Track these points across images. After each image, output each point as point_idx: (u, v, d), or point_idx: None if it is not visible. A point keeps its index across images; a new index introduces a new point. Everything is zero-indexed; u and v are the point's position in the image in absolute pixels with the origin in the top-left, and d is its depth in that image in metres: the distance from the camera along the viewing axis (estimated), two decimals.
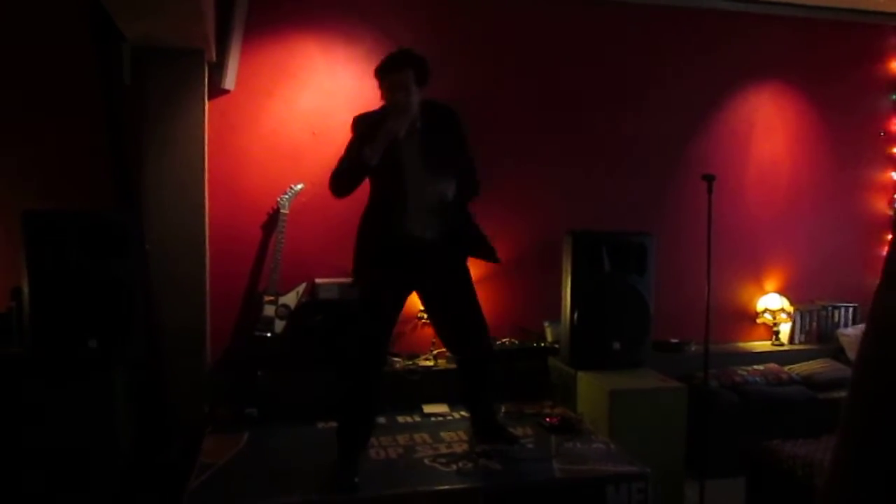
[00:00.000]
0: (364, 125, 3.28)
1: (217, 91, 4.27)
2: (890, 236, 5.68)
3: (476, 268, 4.73)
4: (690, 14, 5.14)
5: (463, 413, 4.12)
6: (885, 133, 5.66)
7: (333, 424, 3.83)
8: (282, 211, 4.29)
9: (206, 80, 4.08)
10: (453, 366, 4.42)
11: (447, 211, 3.34)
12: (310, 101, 4.51)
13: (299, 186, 4.36)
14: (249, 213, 4.42)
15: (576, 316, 4.22)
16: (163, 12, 3.35)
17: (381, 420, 3.96)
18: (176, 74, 3.95)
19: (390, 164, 3.22)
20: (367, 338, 3.32)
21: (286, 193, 4.32)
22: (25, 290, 3.37)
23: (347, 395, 3.34)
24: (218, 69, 4.24)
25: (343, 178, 3.25)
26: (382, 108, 3.30)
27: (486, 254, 3.45)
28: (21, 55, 4.00)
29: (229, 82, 4.30)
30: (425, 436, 3.75)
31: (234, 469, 3.29)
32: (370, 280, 3.34)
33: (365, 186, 3.37)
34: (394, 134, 3.16)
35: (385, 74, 3.27)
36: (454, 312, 3.48)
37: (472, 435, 3.67)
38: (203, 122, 4.04)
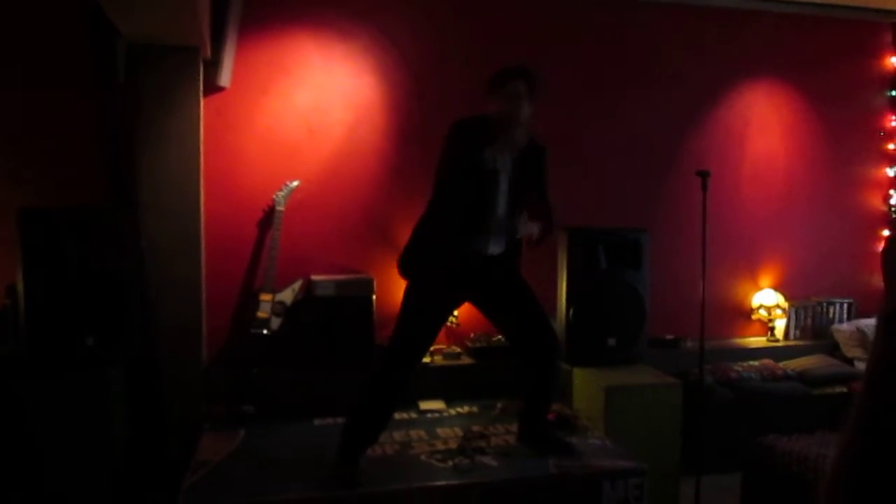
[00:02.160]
0: (474, 131, 3.22)
1: (212, 88, 4.26)
2: (887, 233, 5.70)
3: None
4: (685, 11, 5.14)
5: (459, 409, 4.14)
6: (884, 133, 5.67)
7: (330, 421, 3.86)
8: (277, 208, 4.29)
9: (202, 76, 4.07)
10: (449, 362, 4.45)
11: (514, 234, 3.33)
12: (306, 98, 4.51)
13: (295, 183, 4.36)
14: (245, 210, 4.42)
15: (571, 312, 4.23)
16: (158, 9, 3.33)
17: None
18: (171, 71, 3.93)
19: (485, 178, 3.20)
20: (408, 343, 3.26)
21: (282, 190, 4.32)
22: (21, 287, 3.36)
23: (369, 395, 3.26)
24: (213, 66, 4.23)
25: (458, 182, 3.22)
26: (485, 116, 3.25)
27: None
28: (16, 52, 3.99)
29: (225, 79, 4.29)
30: (421, 432, 3.75)
31: (231, 466, 3.29)
32: (429, 289, 3.28)
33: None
34: (519, 143, 3.22)
35: (502, 83, 3.25)
36: (516, 316, 3.44)
37: (518, 436, 3.61)
38: (198, 119, 4.03)
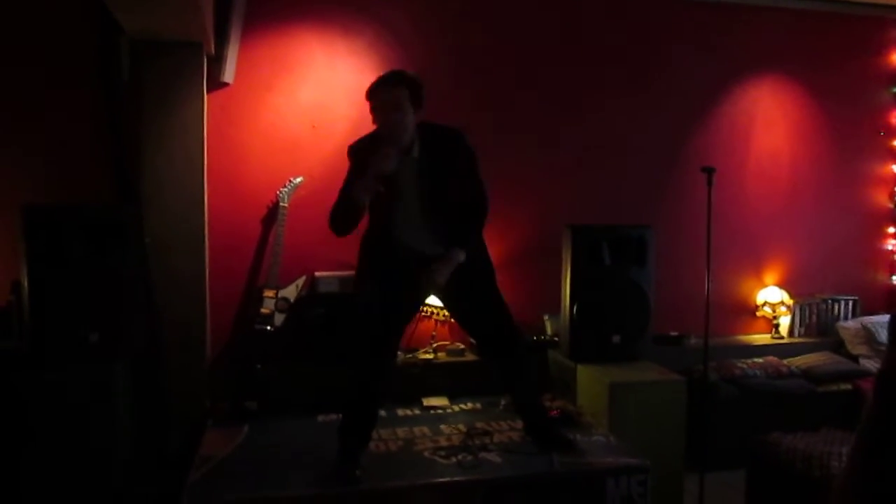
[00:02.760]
0: (359, 156, 3.17)
1: (216, 84, 4.26)
2: (891, 229, 5.68)
3: None
4: (690, 6, 5.13)
5: (462, 406, 4.13)
6: (885, 132, 5.65)
7: (333, 417, 3.85)
8: (281, 204, 4.29)
9: (205, 73, 4.07)
10: (453, 359, 4.45)
11: (448, 233, 3.23)
12: (309, 95, 4.50)
13: (299, 180, 4.35)
14: (249, 206, 4.42)
15: (575, 309, 4.22)
16: (161, 5, 3.33)
17: (381, 413, 3.97)
18: (174, 67, 3.93)
19: (387, 193, 3.13)
20: (372, 338, 3.26)
21: (286, 187, 4.32)
22: (25, 284, 3.36)
23: (351, 392, 3.31)
24: (217, 62, 4.23)
25: (339, 219, 3.16)
26: (374, 133, 3.20)
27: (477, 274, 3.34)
28: (20, 49, 3.99)
29: (228, 75, 4.29)
30: (425, 429, 3.75)
31: (235, 462, 3.29)
32: (371, 290, 3.28)
33: None
34: (382, 172, 3.04)
35: (377, 93, 3.12)
36: (469, 310, 3.43)
37: (524, 430, 3.61)
38: (202, 115, 4.03)
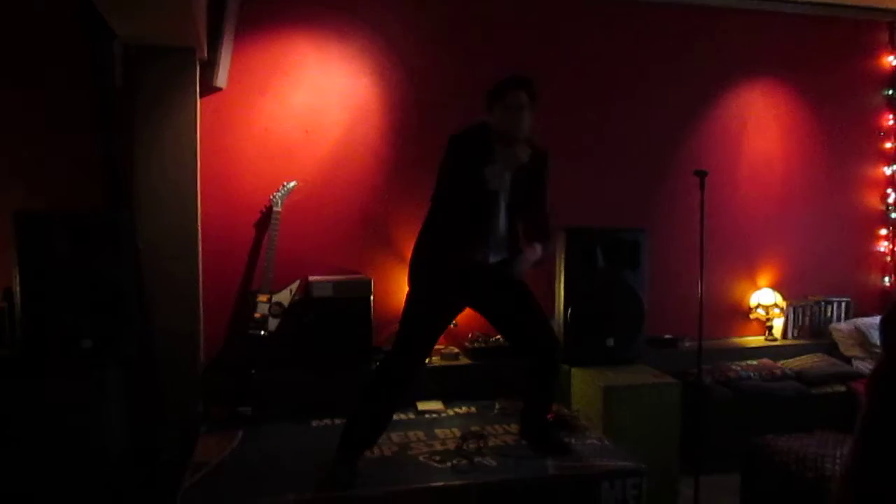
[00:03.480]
0: (473, 147, 3.21)
1: (209, 89, 4.25)
2: (884, 231, 5.70)
3: None
4: (682, 10, 5.14)
5: (457, 410, 4.13)
6: (883, 132, 5.68)
7: (328, 423, 3.85)
8: (275, 209, 4.28)
9: (198, 78, 4.06)
10: (447, 363, 4.44)
11: (513, 242, 3.35)
12: (303, 99, 4.50)
13: (292, 184, 4.35)
14: (242, 211, 4.41)
15: (569, 312, 4.22)
16: (154, 10, 3.33)
17: None
18: (167, 72, 3.92)
19: (485, 197, 3.20)
20: (407, 346, 3.26)
21: (279, 191, 4.31)
22: (17, 290, 3.35)
23: (369, 397, 3.27)
24: (210, 67, 4.22)
25: (458, 201, 3.23)
26: (482, 127, 3.26)
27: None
28: (12, 53, 3.98)
29: (221, 80, 4.29)
30: (420, 433, 3.75)
31: (229, 468, 3.29)
32: (428, 297, 3.30)
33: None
34: (520, 159, 3.20)
35: (504, 93, 3.23)
36: (516, 317, 3.45)
37: (520, 435, 3.62)
38: (195, 120, 4.01)
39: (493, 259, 3.30)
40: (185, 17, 3.42)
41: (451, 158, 3.22)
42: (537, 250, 3.33)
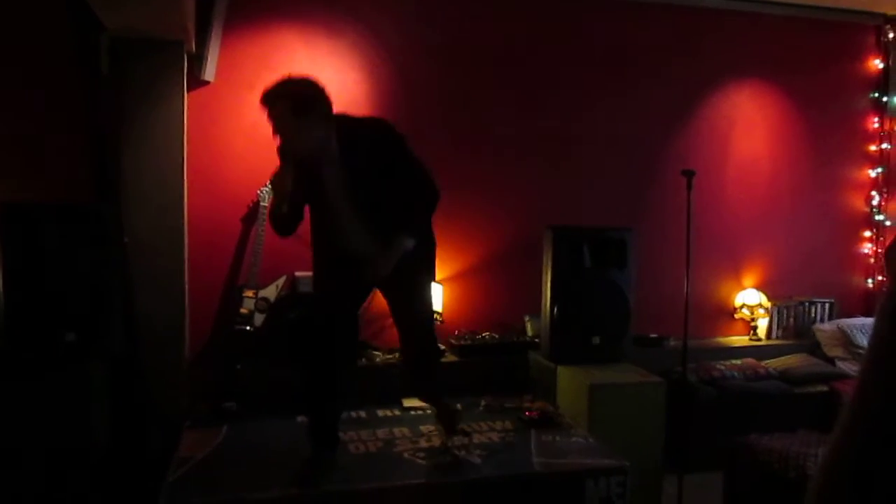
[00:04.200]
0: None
1: (197, 83, 4.23)
2: (868, 233, 5.75)
3: (456, 262, 4.76)
4: (672, 11, 5.16)
5: None
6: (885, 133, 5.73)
7: None
8: (262, 204, 4.27)
9: (186, 71, 4.04)
10: None
11: (388, 228, 3.13)
12: None
13: None
14: (229, 205, 4.39)
15: (556, 310, 4.23)
16: (143, 2, 3.31)
17: (362, 414, 3.97)
18: (155, 65, 3.90)
19: (318, 197, 3.14)
20: (320, 330, 3.32)
21: (266, 186, 4.29)
22: (0, 283, 3.32)
23: (307, 392, 3.39)
24: (198, 60, 4.20)
25: (274, 224, 3.21)
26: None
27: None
28: None
29: (209, 74, 4.27)
30: (405, 430, 3.75)
31: (213, 463, 3.28)
32: (323, 286, 3.35)
33: None
34: (283, 188, 3.00)
35: (264, 107, 2.95)
36: (395, 310, 3.46)
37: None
38: (182, 113, 3.99)
39: (370, 251, 3.13)
40: (174, 9, 3.41)
41: None
42: (402, 242, 3.09)
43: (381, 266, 3.09)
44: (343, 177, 3.07)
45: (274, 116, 2.92)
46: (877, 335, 0.78)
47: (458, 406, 3.67)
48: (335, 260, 3.25)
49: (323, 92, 2.99)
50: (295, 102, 2.91)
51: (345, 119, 3.10)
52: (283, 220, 3.13)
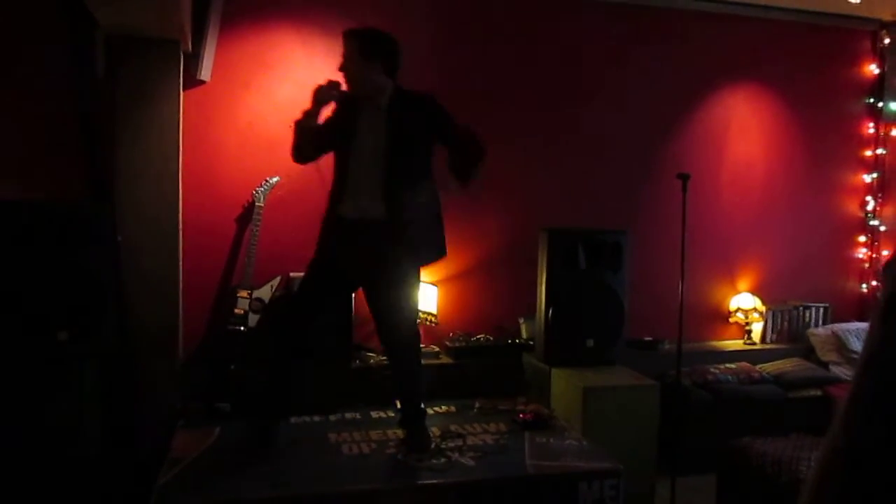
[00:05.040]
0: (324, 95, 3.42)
1: (193, 82, 4.22)
2: (862, 238, 5.76)
3: (452, 264, 4.75)
4: (667, 14, 5.17)
5: (437, 409, 4.12)
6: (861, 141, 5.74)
7: (307, 419, 3.84)
8: (257, 204, 4.26)
9: (182, 70, 4.03)
10: (427, 361, 4.42)
11: (399, 192, 3.30)
12: (287, 94, 4.47)
13: (275, 179, 4.32)
14: (224, 205, 4.38)
15: (551, 313, 4.23)
16: (137, 1, 3.30)
17: (356, 415, 3.96)
18: (150, 64, 3.89)
19: (345, 140, 3.32)
20: (299, 293, 3.47)
21: (262, 186, 4.29)
22: None
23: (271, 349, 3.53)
24: (194, 60, 4.19)
25: (294, 141, 3.42)
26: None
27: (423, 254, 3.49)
28: None
29: (205, 73, 4.25)
30: (399, 432, 3.73)
31: (205, 464, 3.26)
32: (317, 250, 3.47)
33: None
34: (320, 96, 3.33)
35: (342, 44, 3.37)
36: (372, 302, 3.48)
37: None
38: (178, 113, 3.98)
39: (364, 214, 3.30)
40: (170, 8, 3.39)
41: None
42: (419, 193, 3.33)
43: (409, 208, 3.27)
44: (386, 130, 3.30)
45: (345, 50, 3.31)
46: (870, 338, 0.78)
47: (435, 439, 3.57)
48: (337, 224, 3.36)
49: (394, 50, 3.36)
50: (363, 43, 3.29)
51: (404, 88, 3.40)
52: (305, 135, 3.37)
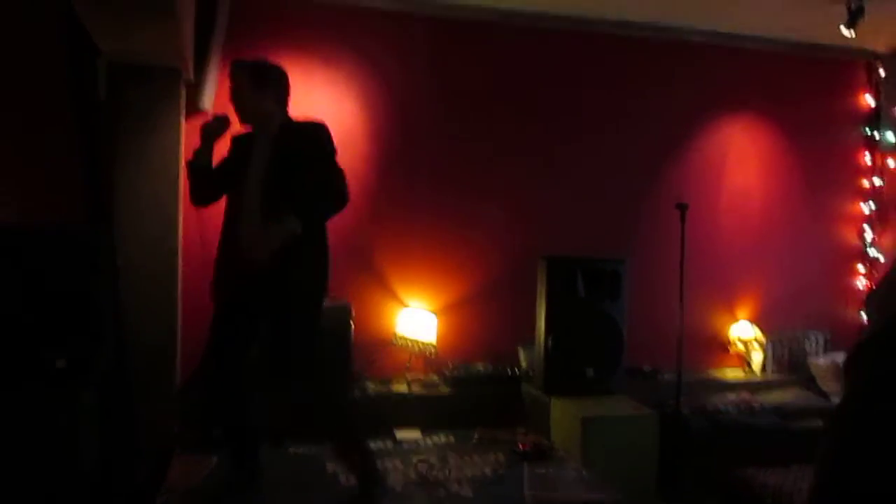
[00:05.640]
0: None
1: (194, 111, 4.24)
2: (860, 266, 5.76)
3: (450, 292, 4.75)
4: (666, 45, 5.22)
5: (435, 439, 4.10)
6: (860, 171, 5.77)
7: (304, 449, 3.81)
8: None
9: (184, 99, 4.06)
10: (426, 391, 4.41)
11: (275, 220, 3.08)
12: None
13: None
14: None
15: (549, 342, 4.22)
16: (141, 29, 3.33)
17: None
18: (152, 92, 3.92)
19: (236, 176, 3.23)
20: (208, 348, 3.22)
21: None
22: None
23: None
24: (195, 88, 4.22)
25: (190, 184, 3.38)
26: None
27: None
28: None
29: (206, 102, 4.28)
30: (397, 462, 3.71)
31: (203, 493, 3.23)
32: (214, 299, 3.31)
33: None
34: (209, 131, 3.25)
35: (229, 75, 3.32)
36: (266, 347, 3.27)
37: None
38: (179, 141, 4.01)
39: (255, 253, 3.04)
40: (173, 37, 3.43)
41: None
42: (292, 223, 2.98)
43: (261, 242, 3.00)
44: (268, 159, 3.19)
45: (234, 82, 3.25)
46: (847, 387, 0.80)
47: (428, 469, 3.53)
48: (229, 258, 3.22)
49: (283, 79, 3.32)
50: (253, 74, 3.23)
51: (292, 118, 3.33)
52: (197, 176, 3.31)
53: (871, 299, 0.87)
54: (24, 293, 3.30)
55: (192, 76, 4.15)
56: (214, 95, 4.31)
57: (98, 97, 3.85)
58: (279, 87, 3.30)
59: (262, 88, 3.23)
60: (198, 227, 4.26)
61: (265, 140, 3.22)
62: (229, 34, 4.31)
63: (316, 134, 3.22)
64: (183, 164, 4.01)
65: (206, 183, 3.33)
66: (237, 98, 3.25)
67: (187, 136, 4.12)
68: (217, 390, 3.26)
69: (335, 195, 3.16)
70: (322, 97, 4.56)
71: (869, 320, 0.85)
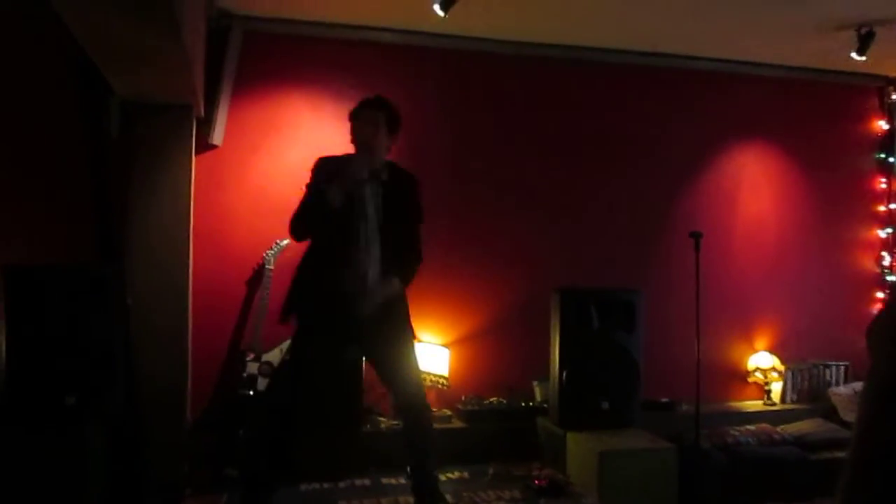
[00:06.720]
0: (327, 168, 3.28)
1: (205, 146, 4.27)
2: (880, 294, 5.68)
3: (463, 325, 4.71)
4: (677, 74, 5.22)
5: (449, 475, 4.03)
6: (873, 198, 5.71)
7: (316, 486, 3.75)
8: (267, 266, 4.25)
9: (195, 135, 4.08)
10: (440, 426, 4.35)
11: (386, 269, 3.25)
12: (297, 157, 4.49)
13: (285, 242, 4.31)
14: (235, 268, 4.38)
15: (564, 375, 4.16)
16: (152, 67, 3.36)
17: (366, 482, 3.87)
18: (164, 129, 3.95)
19: (349, 210, 3.20)
20: (279, 387, 3.26)
21: (272, 249, 4.29)
22: (3, 345, 3.29)
23: (249, 450, 3.38)
24: (206, 124, 4.25)
25: (303, 220, 3.25)
26: (347, 155, 3.33)
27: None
28: (7, 103, 3.98)
29: (217, 138, 4.31)
30: (410, 499, 3.64)
31: None
32: (299, 333, 3.30)
33: None
34: (358, 175, 3.17)
35: (358, 112, 3.31)
36: (392, 362, 3.35)
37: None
38: (190, 176, 4.02)
39: (359, 286, 3.19)
40: (184, 76, 3.45)
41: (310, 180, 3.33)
42: (394, 284, 3.23)
43: (373, 297, 3.15)
44: (381, 197, 3.26)
45: (369, 119, 3.25)
46: (861, 418, 0.77)
47: None
48: (322, 296, 3.21)
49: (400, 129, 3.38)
50: (391, 116, 3.29)
51: (393, 161, 3.39)
52: (326, 215, 3.15)
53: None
54: (35, 332, 3.29)
55: (202, 112, 4.18)
56: (224, 131, 4.33)
57: (110, 135, 3.87)
58: (396, 138, 3.36)
59: (394, 133, 3.31)
60: (213, 259, 4.26)
61: (377, 186, 3.26)
62: (240, 69, 4.35)
63: (416, 187, 3.38)
64: (193, 199, 4.02)
65: (322, 220, 3.22)
66: (372, 136, 3.24)
67: (197, 172, 4.14)
68: (270, 431, 3.26)
69: (418, 260, 3.35)
70: (332, 132, 4.55)
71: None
